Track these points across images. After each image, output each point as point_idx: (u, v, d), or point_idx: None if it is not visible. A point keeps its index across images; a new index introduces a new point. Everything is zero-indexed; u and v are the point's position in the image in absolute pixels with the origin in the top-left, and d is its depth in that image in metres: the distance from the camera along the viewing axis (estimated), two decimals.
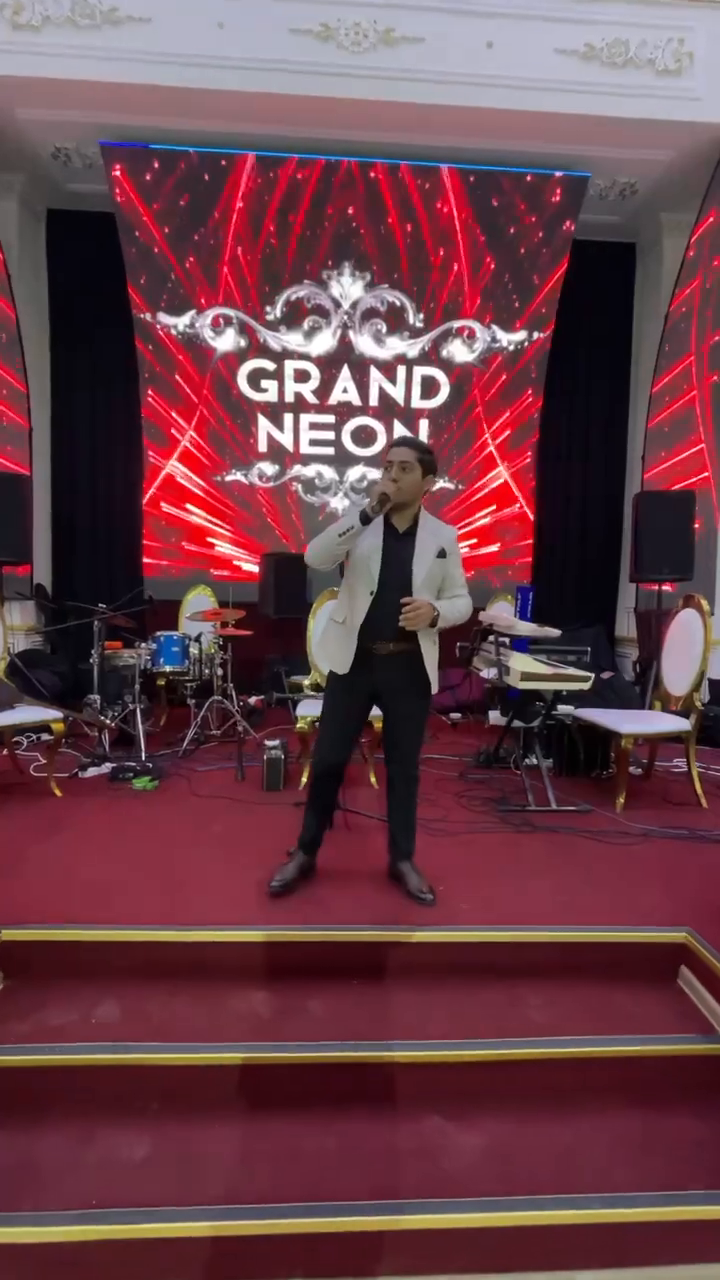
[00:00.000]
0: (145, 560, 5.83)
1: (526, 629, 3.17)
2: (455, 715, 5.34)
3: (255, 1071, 1.70)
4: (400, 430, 5.80)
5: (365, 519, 2.14)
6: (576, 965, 2.00)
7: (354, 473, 5.84)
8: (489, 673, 3.54)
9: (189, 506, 5.81)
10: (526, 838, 2.88)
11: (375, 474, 5.82)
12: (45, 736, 4.05)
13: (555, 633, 3.20)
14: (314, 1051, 1.73)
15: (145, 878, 2.37)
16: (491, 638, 3.65)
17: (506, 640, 3.45)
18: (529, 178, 5.15)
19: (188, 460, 5.75)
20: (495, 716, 4.20)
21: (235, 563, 5.87)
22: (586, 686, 3.00)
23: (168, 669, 4.13)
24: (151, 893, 2.26)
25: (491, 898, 2.29)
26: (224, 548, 5.87)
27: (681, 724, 3.32)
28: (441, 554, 2.24)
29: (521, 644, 4.13)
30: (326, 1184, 1.50)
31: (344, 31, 4.32)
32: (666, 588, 4.86)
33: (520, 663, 3.04)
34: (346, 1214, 1.43)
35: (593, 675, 3.00)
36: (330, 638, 2.33)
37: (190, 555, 5.85)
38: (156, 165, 5.02)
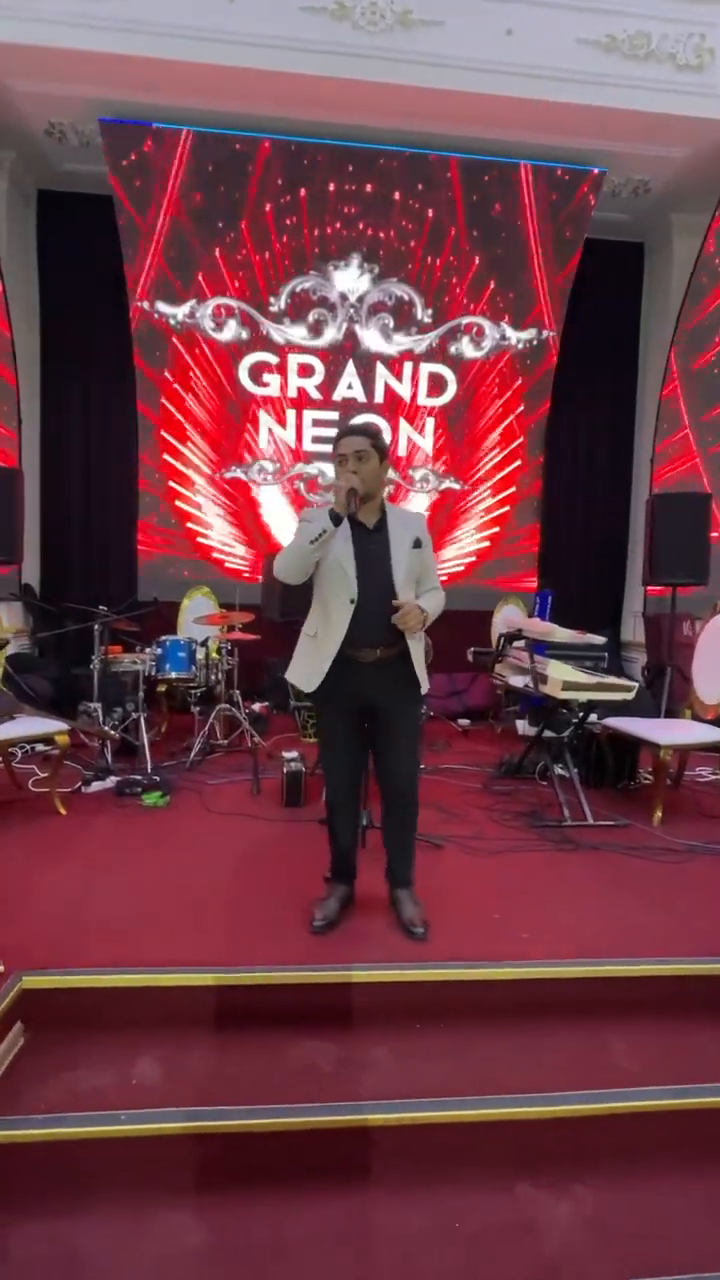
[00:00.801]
0: (141, 560, 5.56)
1: (565, 636, 3.02)
2: (464, 721, 5.19)
3: (323, 1139, 1.51)
4: (407, 429, 5.64)
5: (336, 519, 1.93)
6: (657, 1001, 1.84)
7: None
8: (518, 680, 3.39)
9: (187, 504, 5.57)
10: (570, 856, 2.73)
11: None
12: (41, 748, 3.80)
13: (599, 640, 3.06)
14: (389, 1113, 1.54)
15: (173, 910, 2.16)
16: (519, 643, 3.50)
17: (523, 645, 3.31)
18: (544, 171, 5.03)
19: (185, 456, 5.51)
20: (523, 726, 4.05)
21: (235, 563, 5.64)
22: (630, 697, 2.87)
23: (173, 675, 3.90)
24: (183, 928, 2.05)
25: (551, 925, 2.13)
26: (223, 547, 5.64)
27: (716, 734, 3.21)
28: (416, 544, 2.06)
29: (539, 650, 3.99)
30: (424, 1271, 1.32)
31: (360, 11, 4.14)
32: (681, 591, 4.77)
33: (560, 671, 2.89)
34: None
35: (637, 684, 2.87)
36: (302, 654, 2.11)
37: (188, 555, 5.60)
38: (158, 146, 4.77)
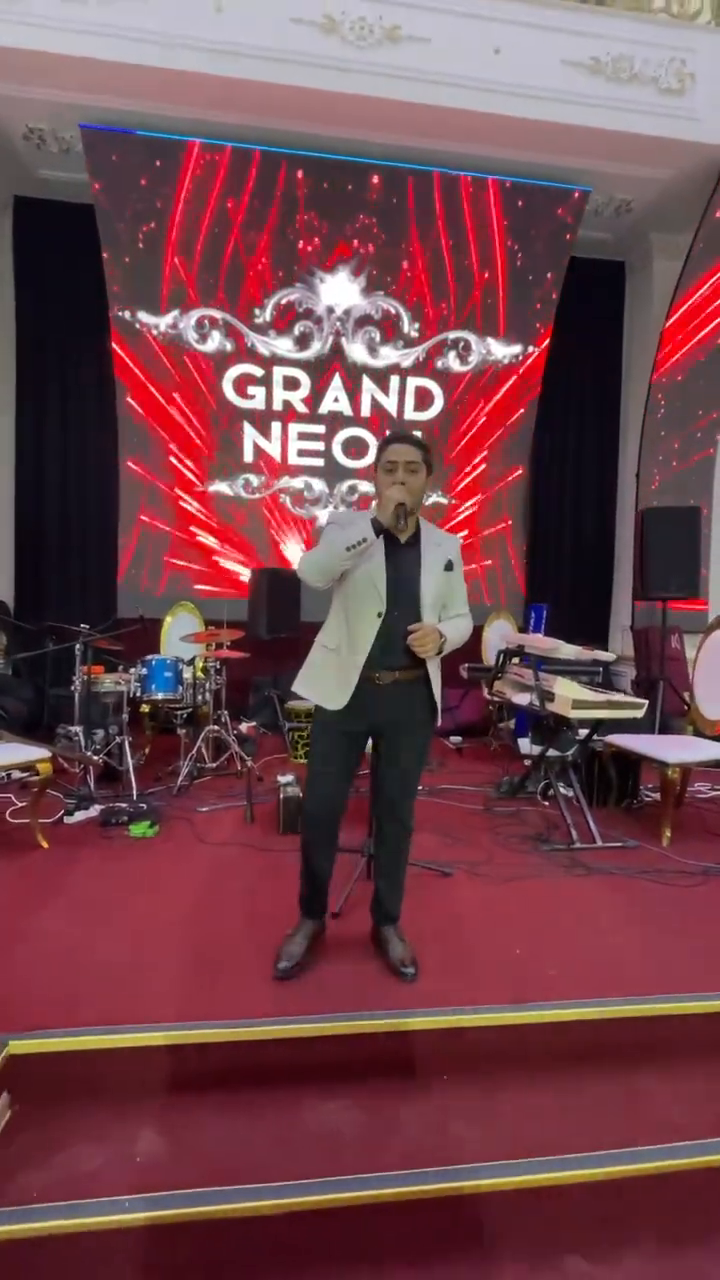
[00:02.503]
0: (120, 576, 5.38)
1: (572, 652, 2.94)
2: (456, 739, 5.08)
3: (349, 1217, 1.35)
4: None
5: (378, 530, 1.83)
6: (701, 1041, 1.73)
7: (344, 485, 5.58)
8: (521, 698, 3.29)
9: (168, 519, 5.41)
10: (584, 882, 2.62)
11: (367, 487, 5.57)
12: (17, 774, 3.58)
13: (609, 656, 2.99)
14: (420, 1185, 1.39)
15: (170, 956, 1.99)
16: (517, 660, 3.42)
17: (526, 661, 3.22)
18: (528, 189, 5.05)
19: (167, 469, 5.36)
20: (526, 745, 3.96)
21: (219, 579, 5.49)
22: (640, 715, 2.79)
23: (160, 696, 3.71)
24: (182, 976, 1.88)
25: (579, 960, 2.01)
26: (207, 562, 5.48)
27: None
28: (449, 567, 1.96)
29: (538, 667, 3.92)
30: None
31: (348, 25, 4.12)
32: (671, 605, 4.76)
33: (569, 689, 2.80)
34: None
35: (645, 703, 2.79)
36: (322, 667, 1.97)
37: (171, 570, 5.44)
38: (142, 153, 4.67)
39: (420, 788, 3.67)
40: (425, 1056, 1.68)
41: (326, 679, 1.93)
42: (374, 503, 1.91)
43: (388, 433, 5.51)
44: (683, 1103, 1.62)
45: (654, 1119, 1.57)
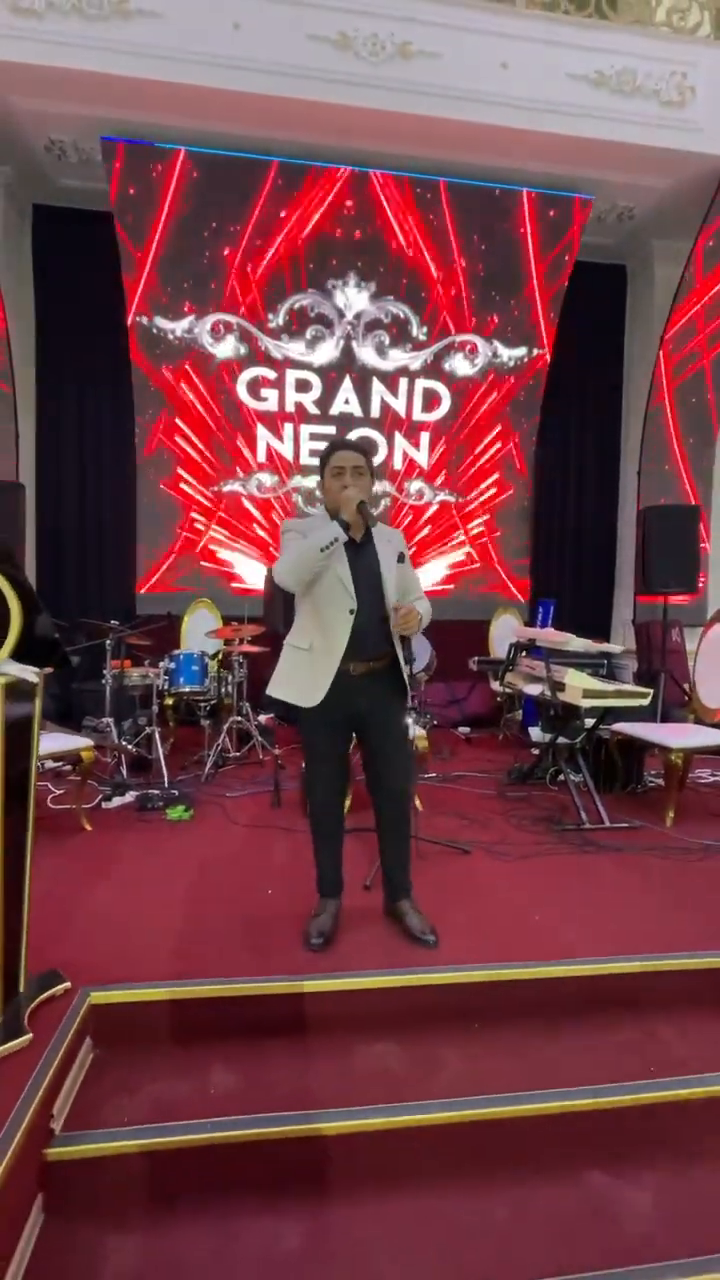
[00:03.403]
0: (139, 574, 5.55)
1: (581, 645, 3.13)
2: (465, 729, 5.28)
3: (401, 1138, 1.55)
4: (402, 443, 5.76)
5: (345, 527, 2.01)
6: (705, 992, 1.93)
7: None
8: (533, 689, 3.49)
9: (185, 518, 5.58)
10: (595, 858, 2.82)
11: (378, 487, 5.75)
12: (51, 764, 3.76)
13: (616, 649, 3.18)
14: (462, 1110, 1.59)
15: (223, 923, 2.18)
16: (527, 653, 3.61)
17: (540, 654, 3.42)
18: (534, 196, 5.22)
19: (183, 470, 5.53)
20: (536, 733, 4.15)
21: (235, 576, 5.66)
22: (646, 703, 2.99)
23: (186, 689, 3.91)
24: (236, 939, 2.08)
25: (592, 925, 2.21)
26: (223, 561, 5.65)
27: None
28: (401, 558, 2.15)
29: (538, 655, 4.11)
30: (504, 1262, 1.37)
31: (361, 41, 4.28)
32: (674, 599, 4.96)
33: (579, 680, 3.00)
34: None
35: (651, 692, 2.99)
36: (293, 668, 2.09)
37: (188, 569, 5.61)
38: (159, 164, 4.83)
39: (434, 775, 3.90)
40: (459, 1007, 1.87)
41: (301, 678, 2.05)
42: (322, 507, 2.10)
43: (398, 439, 5.71)
44: (690, 1043, 1.82)
45: (666, 1057, 1.77)
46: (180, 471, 5.52)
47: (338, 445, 2.11)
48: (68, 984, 1.77)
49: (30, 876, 1.67)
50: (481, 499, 5.97)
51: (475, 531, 5.99)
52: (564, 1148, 1.60)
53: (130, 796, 3.40)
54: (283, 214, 5.09)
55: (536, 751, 3.85)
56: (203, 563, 5.62)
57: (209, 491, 5.58)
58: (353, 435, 5.68)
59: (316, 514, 2.16)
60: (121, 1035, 1.75)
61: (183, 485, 5.54)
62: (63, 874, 2.52)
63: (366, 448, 2.13)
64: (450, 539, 5.93)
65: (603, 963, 1.95)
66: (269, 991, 1.81)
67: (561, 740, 3.59)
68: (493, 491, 5.95)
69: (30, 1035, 1.57)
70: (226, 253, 5.17)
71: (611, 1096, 1.64)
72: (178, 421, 5.44)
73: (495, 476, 5.94)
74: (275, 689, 2.12)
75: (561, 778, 3.55)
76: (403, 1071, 1.70)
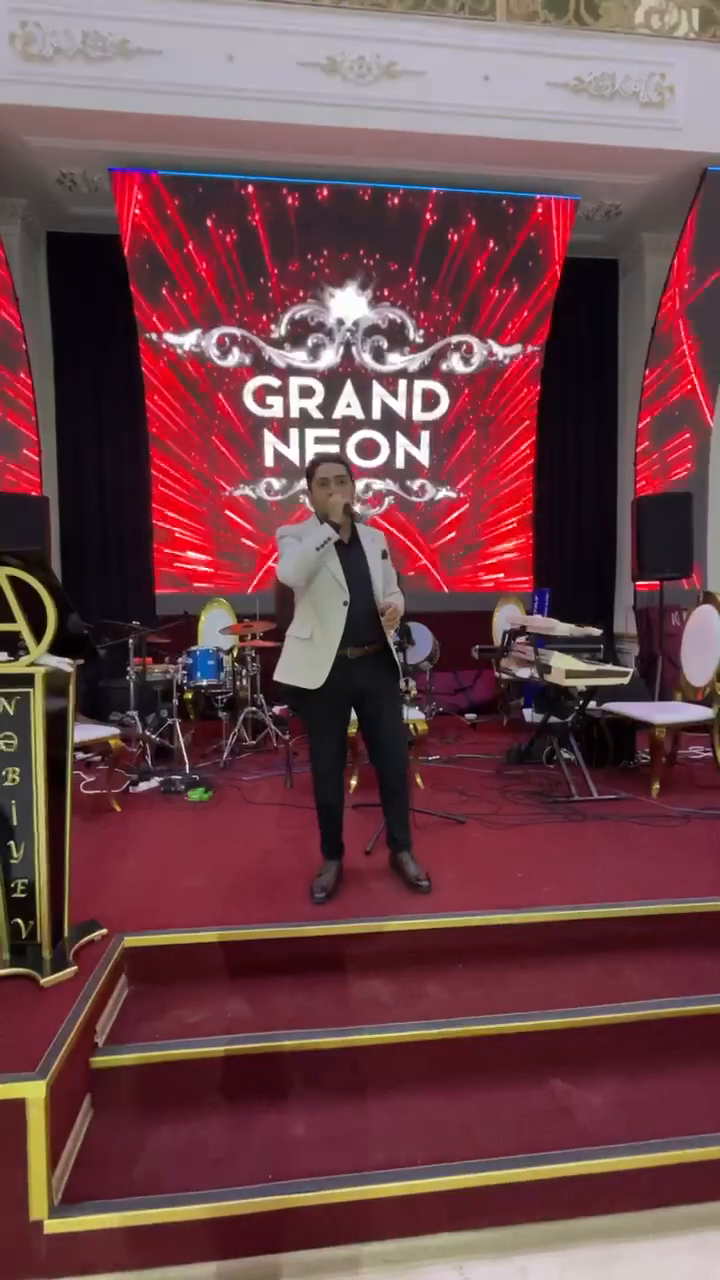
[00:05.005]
0: (157, 576, 5.88)
1: (566, 630, 3.37)
2: (471, 716, 5.53)
3: (389, 1051, 1.83)
4: (404, 443, 6.00)
5: (335, 529, 2.30)
6: (661, 935, 2.18)
7: (360, 485, 6.00)
8: (524, 672, 3.73)
9: (199, 522, 5.89)
10: (580, 825, 3.06)
11: (380, 484, 6.01)
12: (81, 755, 4.11)
13: (597, 632, 3.41)
14: (438, 1029, 1.86)
15: (241, 882, 2.48)
16: (522, 639, 3.85)
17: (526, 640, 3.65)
18: (522, 201, 5.41)
19: (196, 477, 5.83)
20: (530, 714, 4.40)
21: (247, 577, 5.96)
22: (626, 682, 3.21)
23: (204, 682, 4.22)
24: (252, 895, 2.37)
25: (569, 880, 2.46)
26: (234, 562, 5.96)
27: (706, 713, 3.56)
28: (384, 555, 2.46)
29: (540, 643, 4.34)
30: (472, 1146, 1.64)
31: (348, 65, 4.52)
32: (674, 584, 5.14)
33: (562, 661, 3.23)
34: (497, 1168, 1.57)
35: (631, 670, 3.21)
36: (297, 656, 2.39)
37: (203, 569, 5.92)
38: (164, 191, 5.12)
39: (438, 757, 4.15)
40: (443, 948, 2.14)
41: (303, 664, 2.36)
42: (312, 515, 2.44)
43: (399, 439, 5.96)
44: (647, 977, 2.07)
45: (624, 987, 2.02)
46: (194, 478, 5.81)
47: (320, 460, 2.45)
48: (104, 930, 2.08)
49: (70, 845, 1.98)
50: (483, 493, 6.18)
51: (477, 525, 6.21)
52: (529, 1060, 1.86)
53: (155, 782, 3.72)
54: (281, 230, 5.36)
55: (534, 733, 4.08)
56: (217, 563, 5.92)
57: (221, 497, 5.88)
58: (355, 438, 5.95)
59: (309, 521, 2.45)
60: (152, 973, 2.05)
61: (195, 491, 5.84)
62: (98, 846, 2.84)
63: (344, 459, 2.47)
64: (453, 534, 6.16)
65: (571, 909, 2.21)
66: (276, 936, 2.10)
67: (555, 721, 3.82)
68: (493, 485, 6.16)
69: (75, 968, 1.87)
70: (230, 270, 5.45)
71: (570, 1018, 1.89)
72: (189, 431, 5.75)
73: (496, 471, 6.15)
74: (281, 675, 2.44)
75: (556, 757, 3.78)
76: (392, 1002, 1.98)
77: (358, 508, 2.50)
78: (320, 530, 2.30)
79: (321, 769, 2.47)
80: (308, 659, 2.35)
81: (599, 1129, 1.69)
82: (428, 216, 5.42)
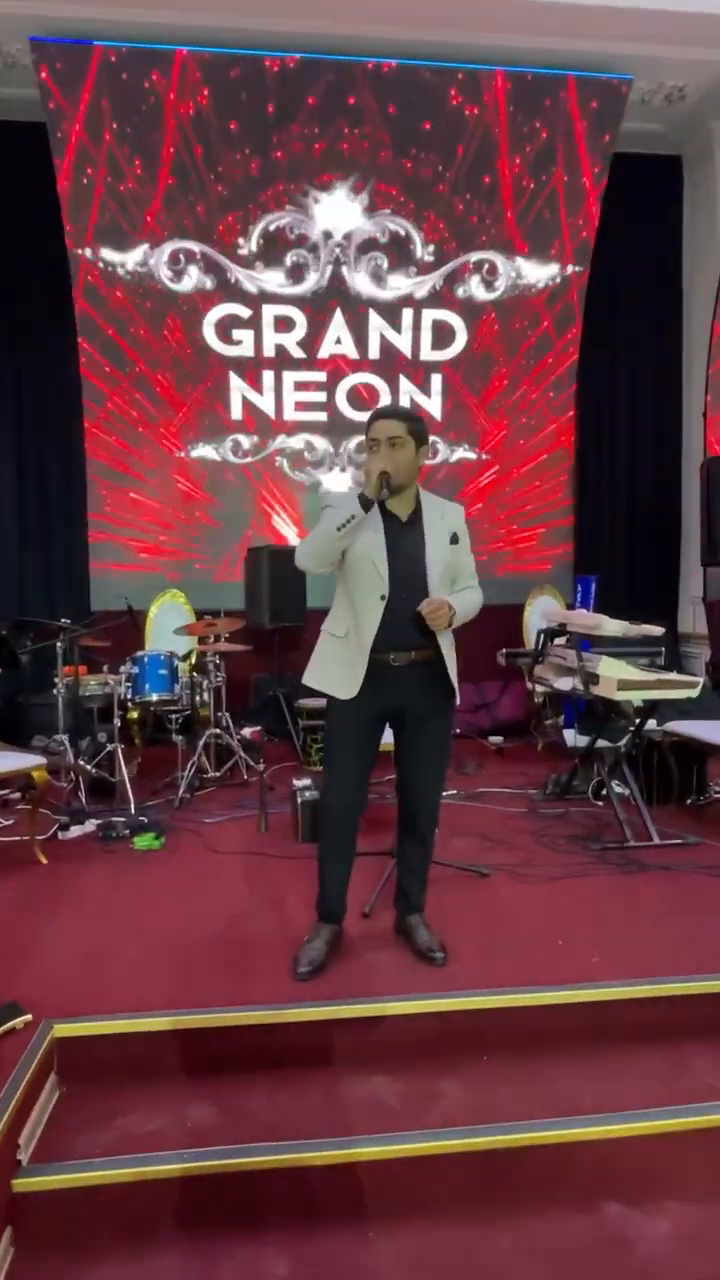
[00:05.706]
0: (91, 562, 5.88)
1: (617, 628, 3.39)
2: (496, 739, 5.55)
3: (397, 1168, 1.83)
4: (409, 389, 6.03)
5: (365, 504, 2.26)
6: None
7: (352, 443, 6.02)
8: (563, 683, 3.75)
9: (146, 490, 5.90)
10: (637, 878, 3.08)
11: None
12: (0, 791, 4.10)
13: (657, 631, 3.43)
14: (459, 1139, 1.87)
15: (202, 952, 2.48)
16: (562, 640, 3.87)
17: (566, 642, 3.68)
18: (562, 80, 5.46)
19: (141, 433, 5.84)
20: (572, 737, 4.42)
21: (207, 561, 5.97)
22: (696, 694, 3.24)
23: (154, 697, 4.22)
24: (217, 970, 2.37)
25: (624, 948, 2.48)
26: (193, 542, 5.97)
27: None
28: (454, 539, 2.42)
29: (584, 646, 4.37)
30: None
31: None
32: None
33: (613, 669, 3.25)
34: None
35: (701, 680, 3.24)
36: (330, 656, 2.41)
37: (151, 552, 5.93)
38: (101, 66, 5.14)
39: (454, 792, 4.18)
40: (464, 1036, 2.15)
41: (336, 668, 2.36)
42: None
43: (403, 383, 5.98)
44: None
45: (696, 1084, 2.04)
46: (138, 435, 5.83)
47: (376, 415, 2.36)
48: (28, 1016, 2.07)
49: None
50: (510, 454, 6.22)
51: (505, 495, 6.25)
52: (578, 1180, 1.87)
53: (91, 825, 3.71)
54: (255, 116, 5.38)
55: (577, 761, 4.11)
56: (167, 544, 5.94)
57: (174, 457, 5.89)
58: (346, 383, 5.97)
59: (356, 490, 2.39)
60: (90, 1071, 2.05)
61: (142, 450, 5.85)
62: (16, 908, 2.84)
63: (408, 414, 2.38)
64: (474, 505, 6.19)
65: (626, 985, 2.22)
66: (248, 1022, 2.10)
67: (604, 745, 3.84)
68: (522, 444, 6.20)
69: None
70: (185, 166, 5.46)
71: (632, 1123, 1.91)
72: (131, 375, 5.75)
73: (526, 426, 6.19)
74: (311, 678, 2.45)
75: (605, 790, 3.80)
76: (397, 1104, 1.99)
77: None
78: (351, 504, 2.27)
79: (334, 801, 2.46)
80: (343, 662, 2.35)
81: (665, 1267, 1.70)
82: (441, 99, 5.45)
